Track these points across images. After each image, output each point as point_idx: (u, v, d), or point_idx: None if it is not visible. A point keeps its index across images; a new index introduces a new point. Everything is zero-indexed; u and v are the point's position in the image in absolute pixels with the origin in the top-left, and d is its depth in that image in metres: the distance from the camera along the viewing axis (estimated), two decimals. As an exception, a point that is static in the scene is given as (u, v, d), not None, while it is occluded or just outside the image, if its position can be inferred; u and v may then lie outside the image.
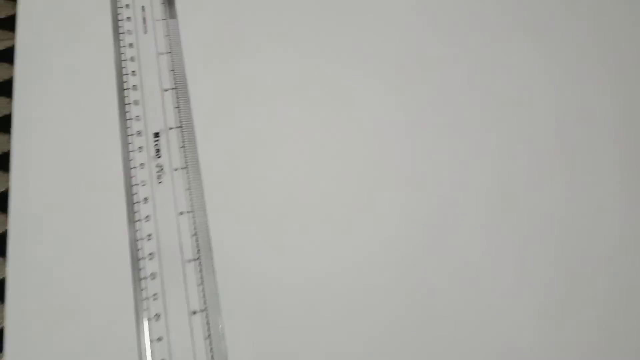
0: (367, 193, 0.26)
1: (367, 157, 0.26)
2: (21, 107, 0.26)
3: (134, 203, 0.24)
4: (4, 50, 0.25)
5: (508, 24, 0.31)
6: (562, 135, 0.28)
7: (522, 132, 0.28)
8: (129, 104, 0.26)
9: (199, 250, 0.24)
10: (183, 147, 0.26)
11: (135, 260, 0.23)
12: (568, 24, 0.31)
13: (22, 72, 0.26)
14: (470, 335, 0.23)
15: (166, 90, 0.27)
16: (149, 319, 0.22)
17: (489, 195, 0.26)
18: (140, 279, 0.23)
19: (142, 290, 0.23)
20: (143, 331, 0.22)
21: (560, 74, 0.29)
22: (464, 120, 0.28)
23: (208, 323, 0.23)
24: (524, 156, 0.27)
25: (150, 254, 0.23)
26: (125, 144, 0.25)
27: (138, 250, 0.23)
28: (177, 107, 0.26)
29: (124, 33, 0.28)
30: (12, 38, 0.26)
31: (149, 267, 0.23)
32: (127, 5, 0.29)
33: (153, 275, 0.23)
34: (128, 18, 0.28)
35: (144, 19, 0.28)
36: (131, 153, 0.25)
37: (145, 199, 0.24)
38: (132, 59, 0.27)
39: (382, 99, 0.28)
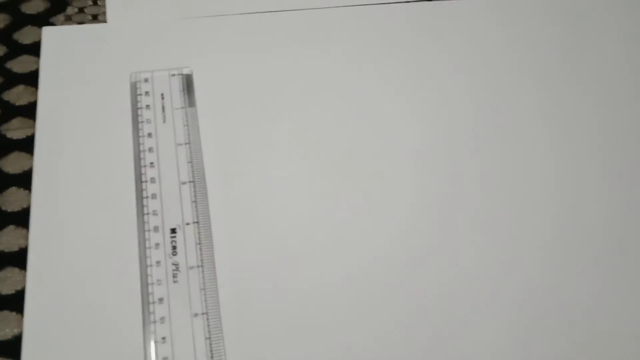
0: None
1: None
2: (39, 201, 0.26)
3: (150, 303, 0.24)
4: (24, 139, 0.25)
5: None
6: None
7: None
8: (147, 197, 0.26)
9: (212, 355, 0.24)
10: (199, 244, 0.26)
11: (149, 363, 0.23)
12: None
13: (42, 163, 0.27)
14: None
15: (184, 183, 0.27)
16: None
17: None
18: (153, 384, 0.23)
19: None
20: None
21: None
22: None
23: None
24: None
25: (164, 359, 0.23)
26: (143, 240, 0.26)
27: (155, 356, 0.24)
28: (194, 202, 0.26)
29: (143, 122, 0.28)
30: (33, 126, 0.26)
31: (162, 369, 0.23)
32: (147, 93, 0.29)
33: (167, 380, 0.23)
34: (147, 106, 0.29)
35: (163, 107, 0.29)
36: (148, 250, 0.25)
37: (161, 299, 0.24)
38: (150, 150, 0.28)
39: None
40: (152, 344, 0.24)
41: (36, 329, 0.24)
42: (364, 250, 0.26)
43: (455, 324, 0.24)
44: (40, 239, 0.25)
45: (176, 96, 0.29)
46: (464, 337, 0.24)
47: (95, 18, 0.32)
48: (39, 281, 0.25)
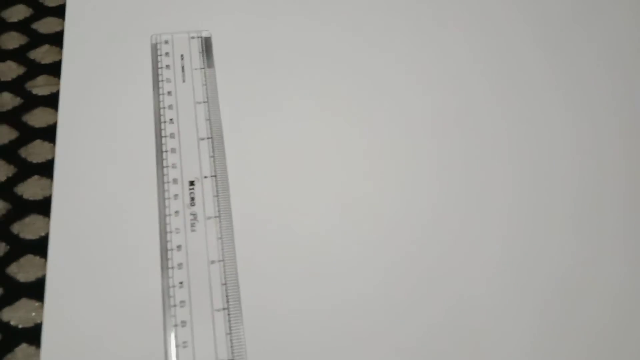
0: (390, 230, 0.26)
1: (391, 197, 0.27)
2: (63, 153, 0.27)
3: (168, 250, 0.25)
4: (49, 95, 0.26)
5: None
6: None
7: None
8: (166, 151, 0.27)
9: (228, 300, 0.24)
10: (217, 196, 0.26)
11: (168, 307, 0.24)
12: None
13: (65, 118, 0.28)
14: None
15: (202, 139, 0.28)
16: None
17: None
18: (171, 327, 0.24)
19: (176, 337, 0.24)
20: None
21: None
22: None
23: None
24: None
25: (181, 302, 0.24)
26: (162, 191, 0.26)
27: (170, 297, 0.24)
28: (212, 157, 0.27)
29: (163, 81, 0.29)
30: (57, 84, 0.27)
31: (179, 314, 0.24)
32: (167, 54, 0.30)
33: (184, 323, 0.24)
34: (167, 66, 0.30)
35: (183, 68, 0.30)
36: (167, 200, 0.26)
37: (179, 247, 0.25)
38: (170, 107, 0.28)
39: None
40: (171, 289, 0.24)
41: (59, 274, 0.25)
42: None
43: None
44: (63, 189, 0.26)
45: (195, 57, 0.30)
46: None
47: (117, -15, 0.33)
48: (61, 229, 0.25)
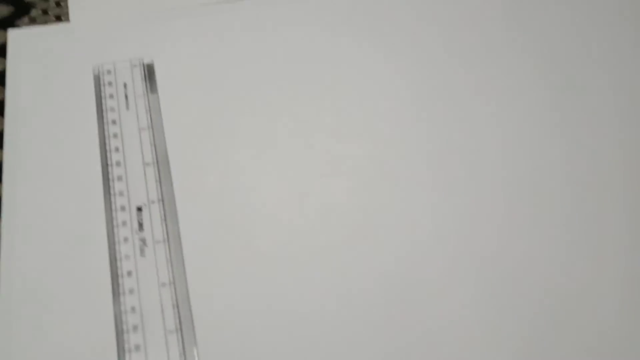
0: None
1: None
2: (10, 188, 0.27)
3: (118, 276, 0.26)
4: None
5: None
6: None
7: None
8: (113, 179, 0.28)
9: (180, 321, 0.25)
10: (164, 220, 0.27)
11: (120, 333, 0.24)
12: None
13: (11, 153, 0.28)
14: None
15: (148, 164, 0.28)
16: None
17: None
18: (125, 352, 0.24)
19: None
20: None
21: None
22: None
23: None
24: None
25: (134, 326, 0.25)
26: (110, 219, 0.27)
27: (123, 323, 0.25)
28: (158, 181, 0.28)
29: (107, 110, 0.30)
30: (1, 123, 0.27)
31: (132, 339, 0.24)
32: (110, 83, 0.30)
33: (137, 347, 0.24)
34: (111, 95, 0.30)
35: (126, 96, 0.30)
36: (115, 228, 0.27)
37: (129, 272, 0.26)
38: (115, 136, 0.29)
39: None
40: (123, 314, 0.25)
41: (7, 304, 0.25)
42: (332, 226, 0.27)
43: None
44: (11, 221, 0.27)
45: (138, 84, 0.31)
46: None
47: (58, 19, 0.33)
48: (10, 258, 0.26)
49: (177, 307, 0.25)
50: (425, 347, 0.24)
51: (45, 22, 0.33)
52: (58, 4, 0.34)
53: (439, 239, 0.27)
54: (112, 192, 0.27)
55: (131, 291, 0.25)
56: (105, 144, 0.29)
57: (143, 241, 0.26)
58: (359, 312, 0.25)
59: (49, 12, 0.33)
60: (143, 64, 0.31)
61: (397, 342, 0.24)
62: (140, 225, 0.27)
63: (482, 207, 0.28)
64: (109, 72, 0.31)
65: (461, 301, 0.25)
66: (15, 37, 0.32)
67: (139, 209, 0.27)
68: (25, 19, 0.33)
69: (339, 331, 0.25)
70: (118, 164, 0.28)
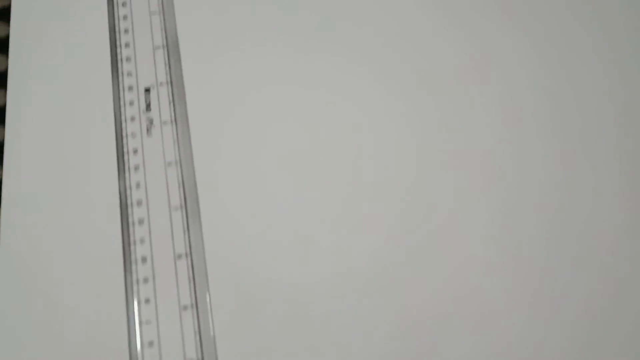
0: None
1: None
2: (17, 63, 0.27)
3: (124, 154, 0.25)
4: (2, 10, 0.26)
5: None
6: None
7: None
8: (121, 60, 0.27)
9: (185, 199, 0.25)
10: (172, 102, 0.26)
11: (125, 206, 0.24)
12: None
13: (18, 30, 0.27)
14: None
15: (157, 48, 0.27)
16: (135, 261, 0.23)
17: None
18: (128, 225, 0.24)
19: (130, 235, 0.24)
20: (131, 271, 0.23)
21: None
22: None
23: (193, 267, 0.23)
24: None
25: (138, 201, 0.24)
26: (117, 98, 0.26)
27: (127, 197, 0.24)
28: (167, 64, 0.27)
29: (117, -7, 0.29)
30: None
31: (136, 213, 0.24)
32: (122, -33, 0.30)
33: (141, 221, 0.24)
34: (122, -21, 0.29)
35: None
36: (122, 107, 0.26)
37: (135, 150, 0.25)
38: (124, 18, 0.28)
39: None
40: (128, 189, 0.24)
41: (16, 173, 0.25)
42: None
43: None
44: (17, 98, 0.26)
45: (150, -30, 0.30)
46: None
47: None
48: (16, 137, 0.25)
49: (183, 185, 0.25)
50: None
51: None
52: None
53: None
54: (120, 72, 0.27)
55: (136, 168, 0.25)
56: (114, 25, 0.28)
57: (150, 121, 0.26)
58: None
59: None
60: (156, -51, 0.30)
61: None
62: (148, 105, 0.26)
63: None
64: (120, -44, 0.30)
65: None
66: None
67: (147, 90, 0.27)
68: None
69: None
70: (127, 45, 0.27)
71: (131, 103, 0.26)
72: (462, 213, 0.25)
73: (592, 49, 0.29)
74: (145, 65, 0.27)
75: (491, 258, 0.24)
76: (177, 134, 0.26)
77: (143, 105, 0.26)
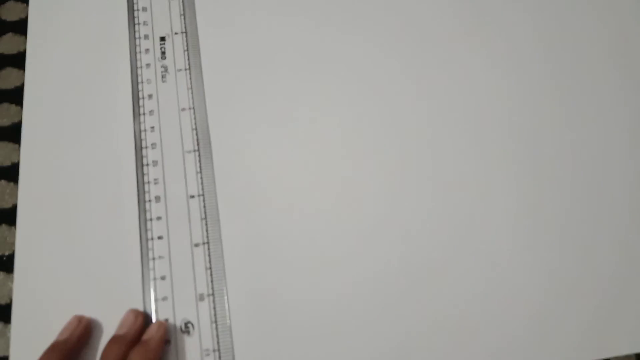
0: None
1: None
2: (37, 12, 0.27)
3: (139, 99, 0.26)
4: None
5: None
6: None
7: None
8: (137, 10, 0.28)
9: (198, 142, 0.25)
10: (187, 50, 0.27)
11: (139, 149, 0.25)
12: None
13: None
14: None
15: (173, -1, 0.28)
16: (149, 201, 0.24)
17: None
18: (143, 166, 0.25)
19: (144, 175, 0.24)
20: (144, 210, 0.24)
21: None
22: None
23: (205, 207, 0.24)
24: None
25: (153, 144, 0.25)
26: (134, 46, 0.27)
27: (142, 140, 0.25)
28: (182, 15, 0.28)
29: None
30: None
31: (151, 155, 0.25)
32: None
33: (155, 163, 0.25)
34: None
35: None
36: (138, 55, 0.27)
37: (150, 95, 0.26)
38: (141, -31, 0.29)
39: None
40: (142, 132, 0.25)
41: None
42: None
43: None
44: (36, 45, 0.27)
45: None
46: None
47: None
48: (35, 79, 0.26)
49: (196, 130, 0.25)
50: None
51: None
52: None
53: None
54: (136, 21, 0.27)
55: (151, 112, 0.26)
56: (131, -23, 0.28)
57: (165, 68, 0.27)
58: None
59: None
60: None
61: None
62: (163, 53, 0.27)
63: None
64: None
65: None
66: None
67: (162, 39, 0.27)
68: None
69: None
70: (143, -4, 0.28)
71: (147, 51, 0.27)
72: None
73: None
74: (160, 15, 0.28)
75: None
76: (190, 81, 0.26)
77: (158, 53, 0.27)
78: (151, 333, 0.21)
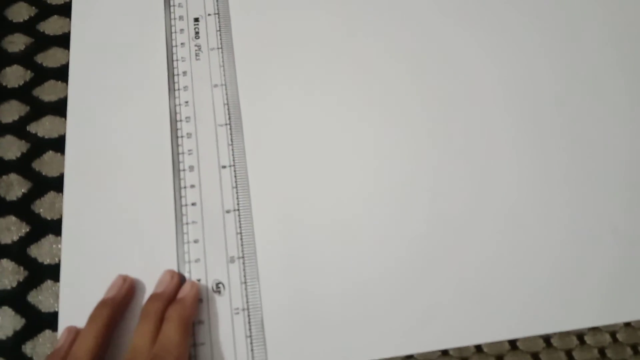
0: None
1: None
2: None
3: (174, 75, 0.27)
4: None
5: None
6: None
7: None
8: (173, -7, 0.29)
9: (229, 117, 0.27)
10: (219, 30, 0.28)
11: (174, 122, 0.27)
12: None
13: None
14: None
15: (206, -19, 0.29)
16: (183, 170, 0.26)
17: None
18: (177, 138, 0.26)
19: (179, 146, 0.26)
20: (179, 178, 0.25)
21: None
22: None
23: (236, 176, 0.26)
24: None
25: (187, 118, 0.27)
26: (169, 26, 0.28)
27: (176, 114, 0.27)
28: (216, -3, 0.29)
29: None
30: None
31: (185, 128, 0.26)
32: None
33: (189, 135, 0.26)
34: None
35: None
36: (173, 34, 0.28)
37: (184, 72, 0.27)
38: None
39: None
40: (177, 108, 0.27)
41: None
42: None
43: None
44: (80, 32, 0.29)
45: None
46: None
47: None
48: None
49: (228, 105, 0.27)
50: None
51: None
52: None
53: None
54: (171, 3, 0.29)
55: (185, 88, 0.27)
56: (166, -39, 0.30)
57: (198, 47, 0.28)
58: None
59: None
60: None
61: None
62: (197, 33, 0.28)
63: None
64: None
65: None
66: None
67: (196, 20, 0.29)
68: None
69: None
70: (178, -21, 0.29)
71: (181, 31, 0.28)
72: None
73: None
74: (194, -2, 0.29)
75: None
76: (223, 60, 0.28)
77: (192, 33, 0.28)
78: (185, 291, 0.23)
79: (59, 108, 0.27)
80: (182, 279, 0.24)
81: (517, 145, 0.27)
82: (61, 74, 0.28)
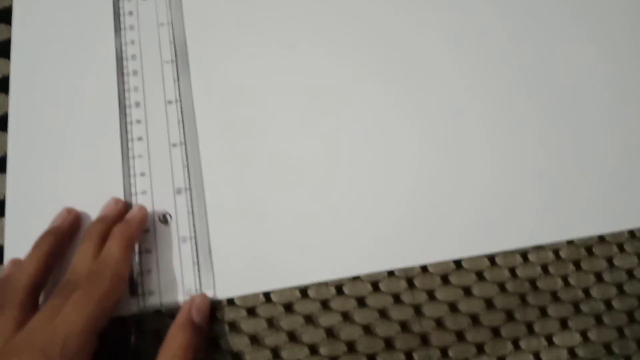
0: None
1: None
2: None
3: (120, 15, 0.27)
4: None
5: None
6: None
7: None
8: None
9: (176, 54, 0.27)
10: (166, -30, 0.28)
11: (120, 60, 0.26)
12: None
13: None
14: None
15: None
16: (129, 107, 0.26)
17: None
18: (123, 75, 0.26)
19: (125, 83, 0.26)
20: (124, 114, 0.25)
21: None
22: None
23: (182, 110, 0.26)
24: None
25: (133, 55, 0.27)
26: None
27: (122, 52, 0.27)
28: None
29: None
30: None
31: (131, 66, 0.26)
32: None
33: (135, 72, 0.26)
34: None
35: None
36: (119, -24, 0.28)
37: (130, 12, 0.27)
38: None
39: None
40: (123, 47, 0.27)
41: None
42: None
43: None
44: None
45: None
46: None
47: None
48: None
49: (174, 43, 0.27)
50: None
51: None
52: None
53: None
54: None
55: (131, 27, 0.27)
56: None
57: (144, -12, 0.28)
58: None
59: None
60: None
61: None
62: (143, -26, 0.28)
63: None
64: None
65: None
66: None
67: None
68: None
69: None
70: None
71: (127, -28, 0.28)
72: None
73: None
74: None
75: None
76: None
77: (138, -26, 0.28)
78: (133, 213, 0.23)
79: (3, 50, 0.27)
80: (127, 207, 0.24)
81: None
82: (3, 15, 0.27)
